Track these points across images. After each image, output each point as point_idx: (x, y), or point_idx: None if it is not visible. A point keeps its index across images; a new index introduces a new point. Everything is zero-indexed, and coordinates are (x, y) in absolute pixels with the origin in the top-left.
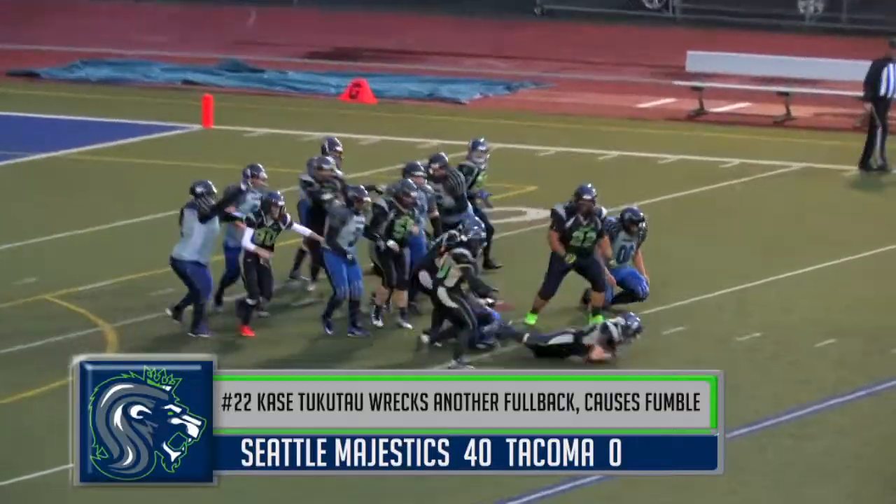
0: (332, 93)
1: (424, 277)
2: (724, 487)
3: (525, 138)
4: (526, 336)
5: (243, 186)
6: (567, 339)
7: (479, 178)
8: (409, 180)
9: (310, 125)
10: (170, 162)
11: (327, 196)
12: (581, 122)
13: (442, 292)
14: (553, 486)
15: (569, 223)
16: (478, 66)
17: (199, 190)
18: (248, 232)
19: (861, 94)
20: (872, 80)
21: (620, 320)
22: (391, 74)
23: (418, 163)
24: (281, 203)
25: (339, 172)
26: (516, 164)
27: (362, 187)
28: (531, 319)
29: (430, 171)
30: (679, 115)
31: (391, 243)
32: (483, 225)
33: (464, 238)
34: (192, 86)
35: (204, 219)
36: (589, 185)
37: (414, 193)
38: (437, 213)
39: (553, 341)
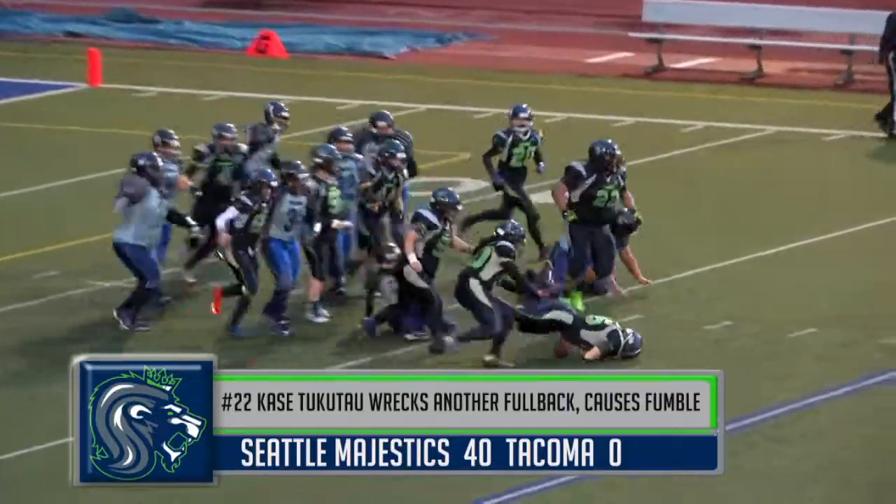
0: (236, 46)
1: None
2: (701, 490)
3: (459, 98)
4: (518, 307)
5: (147, 161)
6: (565, 317)
7: (518, 149)
8: (333, 146)
9: (212, 84)
10: (53, 126)
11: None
12: (523, 80)
13: (475, 284)
14: (530, 486)
15: (589, 181)
16: (403, 15)
17: (141, 163)
18: (228, 212)
19: (873, 48)
20: (890, 34)
21: (630, 337)
22: (304, 25)
23: (343, 127)
24: (274, 184)
25: (243, 146)
26: (449, 127)
27: (298, 163)
28: (578, 302)
29: (374, 131)
30: (635, 71)
31: (336, 223)
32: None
33: (500, 231)
34: (76, 38)
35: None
36: (609, 140)
37: (342, 162)
38: (368, 183)
39: (548, 315)
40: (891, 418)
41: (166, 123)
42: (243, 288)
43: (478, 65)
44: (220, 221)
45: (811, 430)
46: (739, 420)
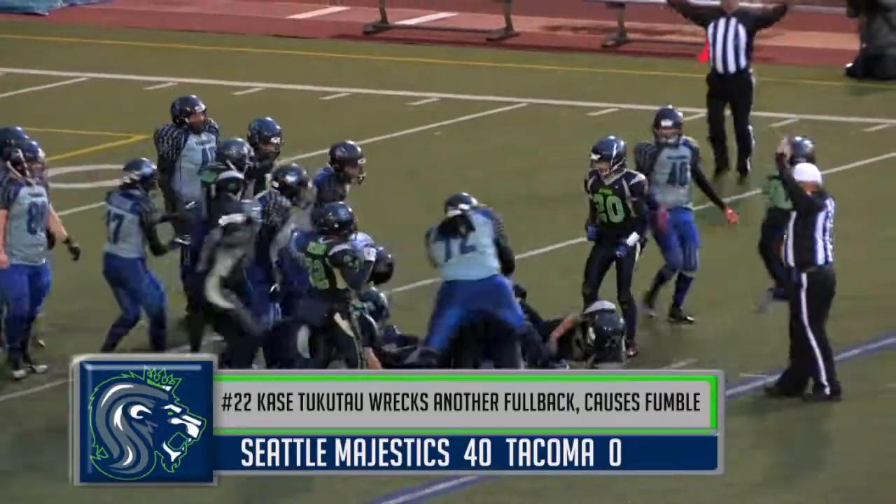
0: None
1: None
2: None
3: (133, 66)
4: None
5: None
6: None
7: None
8: None
9: None
10: None
11: None
12: (208, 42)
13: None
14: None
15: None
16: None
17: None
18: None
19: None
20: None
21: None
22: None
23: None
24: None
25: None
26: (120, 101)
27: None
28: None
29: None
30: (351, 30)
31: None
32: None
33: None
34: None
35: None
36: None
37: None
38: None
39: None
40: None
41: None
42: None
43: (150, 24)
44: None
45: None
46: None
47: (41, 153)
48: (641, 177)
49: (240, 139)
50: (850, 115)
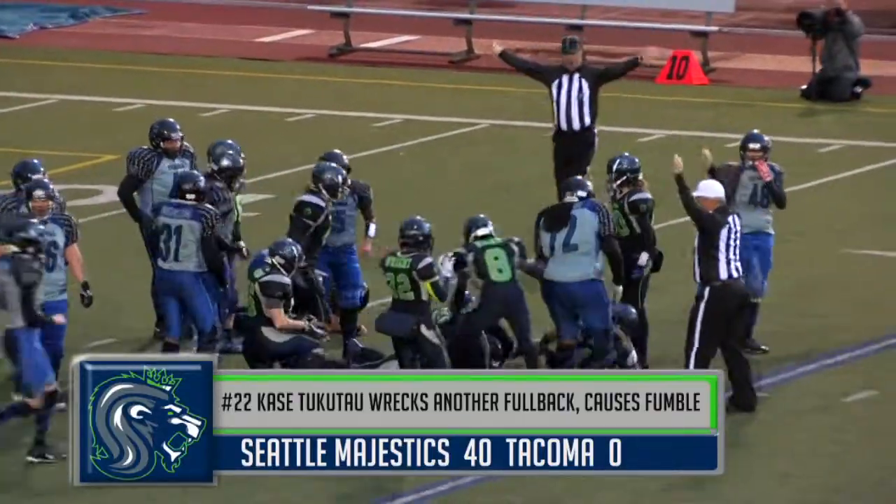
0: None
1: None
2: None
3: (101, 88)
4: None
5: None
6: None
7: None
8: None
9: None
10: None
11: None
12: (178, 65)
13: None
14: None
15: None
16: None
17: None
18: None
19: None
20: None
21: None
22: None
23: None
24: None
25: None
26: (87, 122)
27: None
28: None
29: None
30: (316, 52)
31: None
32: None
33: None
34: None
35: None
36: (622, 155)
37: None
38: None
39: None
40: None
41: None
42: None
43: (122, 47)
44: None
45: None
46: None
47: (50, 191)
48: (644, 195)
49: (335, 165)
50: (804, 136)
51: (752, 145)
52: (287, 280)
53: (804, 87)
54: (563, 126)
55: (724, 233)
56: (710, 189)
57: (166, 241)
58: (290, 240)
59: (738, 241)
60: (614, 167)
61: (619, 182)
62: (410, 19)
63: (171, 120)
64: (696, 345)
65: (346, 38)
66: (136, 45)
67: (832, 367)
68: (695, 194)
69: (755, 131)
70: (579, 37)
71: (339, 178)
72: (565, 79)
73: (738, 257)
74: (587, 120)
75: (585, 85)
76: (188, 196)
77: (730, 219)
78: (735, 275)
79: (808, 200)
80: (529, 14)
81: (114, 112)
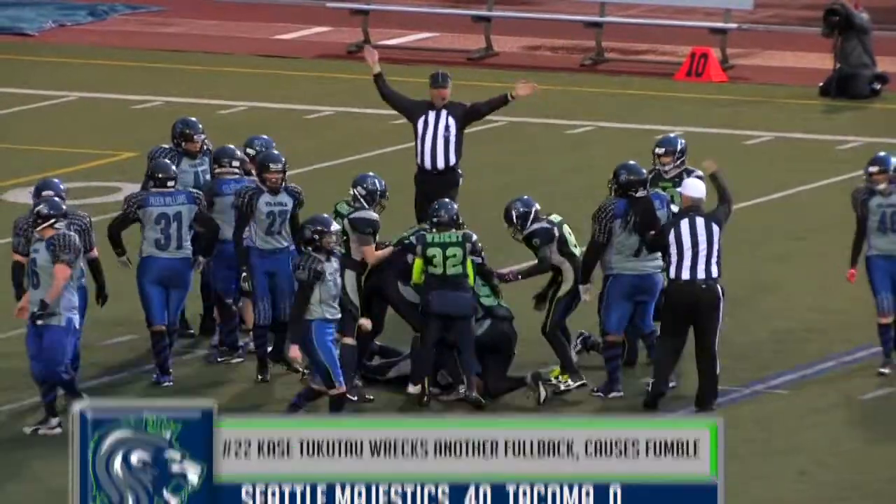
0: None
1: None
2: None
3: (120, 85)
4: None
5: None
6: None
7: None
8: None
9: None
10: None
11: None
12: (196, 62)
13: None
14: None
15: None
16: None
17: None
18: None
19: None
20: None
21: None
22: None
23: None
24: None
25: None
26: (107, 120)
27: None
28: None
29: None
30: (335, 49)
31: None
32: None
33: None
34: None
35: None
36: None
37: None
38: None
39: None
40: None
41: None
42: None
43: (140, 44)
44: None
45: None
46: None
47: (44, 212)
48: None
49: (372, 173)
50: (823, 133)
51: (871, 168)
52: (375, 216)
53: (822, 84)
54: (427, 165)
55: (671, 235)
56: (689, 187)
57: (166, 229)
58: (371, 173)
59: (699, 245)
60: (678, 146)
61: (680, 160)
62: (429, 16)
63: (194, 119)
64: (657, 332)
65: (364, 35)
66: (155, 43)
67: (851, 365)
68: (678, 189)
69: (882, 153)
70: (450, 73)
71: (377, 185)
72: (432, 115)
73: (700, 259)
74: (452, 159)
75: (452, 122)
76: (169, 184)
77: (682, 221)
78: (685, 276)
79: (826, 198)
80: (548, 11)
81: (132, 109)
